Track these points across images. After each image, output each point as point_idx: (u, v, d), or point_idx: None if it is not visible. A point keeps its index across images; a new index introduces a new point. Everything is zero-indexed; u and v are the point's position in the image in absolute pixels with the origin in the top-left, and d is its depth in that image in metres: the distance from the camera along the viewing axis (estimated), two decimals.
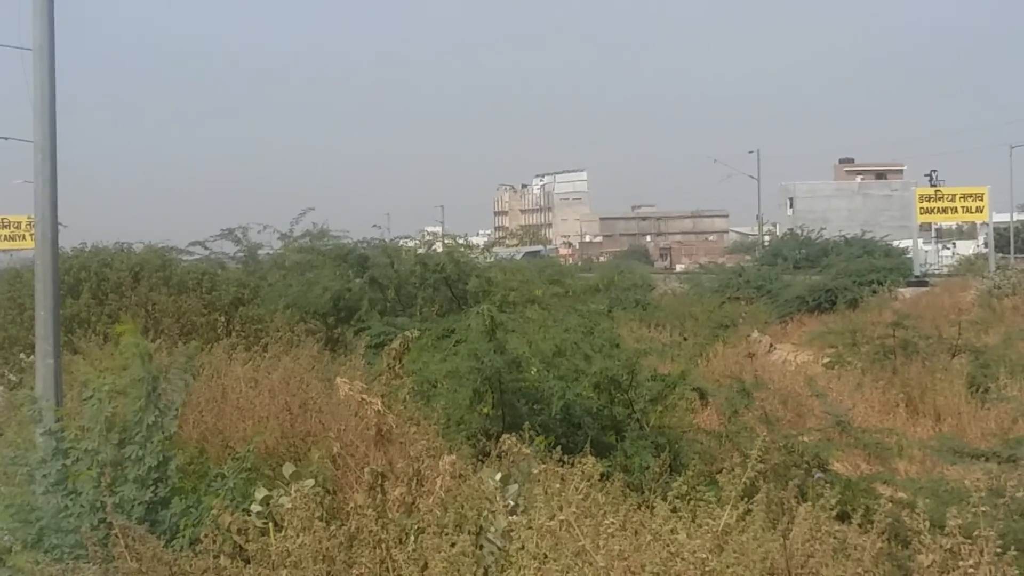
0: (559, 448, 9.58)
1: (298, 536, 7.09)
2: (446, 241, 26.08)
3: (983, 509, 5.41)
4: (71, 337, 18.20)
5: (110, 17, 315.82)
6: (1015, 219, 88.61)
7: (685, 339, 26.37)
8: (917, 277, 51.96)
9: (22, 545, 8.83)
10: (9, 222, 63.16)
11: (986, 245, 76.56)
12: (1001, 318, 30.30)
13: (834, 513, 6.34)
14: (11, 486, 10.10)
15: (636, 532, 6.18)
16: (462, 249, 24.88)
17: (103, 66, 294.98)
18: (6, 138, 59.57)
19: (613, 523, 5.82)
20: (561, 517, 5.88)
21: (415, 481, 8.29)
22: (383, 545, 7.07)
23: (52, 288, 12.59)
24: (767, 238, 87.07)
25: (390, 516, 7.60)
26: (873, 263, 46.01)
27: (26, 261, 45.73)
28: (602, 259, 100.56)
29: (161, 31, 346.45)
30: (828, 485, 7.83)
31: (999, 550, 5.32)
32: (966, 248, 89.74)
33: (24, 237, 58.71)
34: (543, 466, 6.99)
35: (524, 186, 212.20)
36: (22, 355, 20.40)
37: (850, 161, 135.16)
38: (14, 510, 9.34)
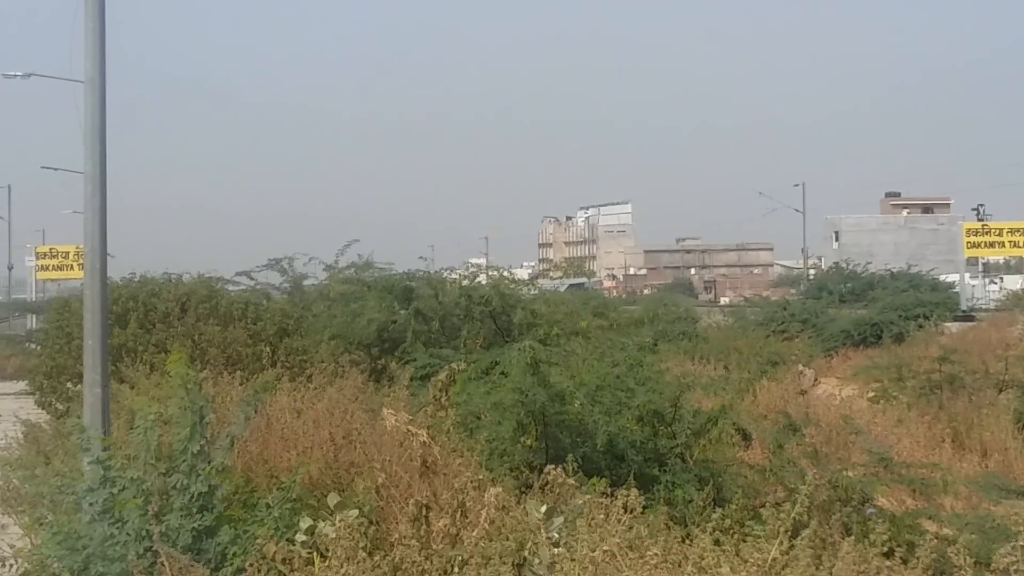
0: (603, 480, 9.58)
1: (342, 566, 7.13)
2: (490, 273, 26.10)
3: None
4: (118, 366, 18.34)
5: (155, 52, 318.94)
6: None
7: (729, 372, 26.26)
8: (964, 311, 51.55)
9: (69, 573, 8.90)
10: (58, 252, 63.85)
11: None
12: None
13: (884, 549, 6.32)
14: (58, 514, 10.20)
15: (679, 564, 6.18)
16: (507, 282, 24.89)
17: (150, 101, 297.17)
18: (56, 168, 60.51)
19: (656, 555, 5.83)
20: (605, 548, 5.89)
21: (459, 512, 8.30)
22: None
23: (101, 318, 12.71)
24: (812, 271, 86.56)
25: (434, 547, 7.62)
26: (919, 297, 45.59)
27: (74, 291, 46.29)
28: (646, 292, 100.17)
29: (205, 66, 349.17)
30: (877, 520, 7.80)
31: None
32: (1014, 283, 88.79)
33: (72, 267, 59.46)
34: (587, 498, 7.00)
35: (568, 218, 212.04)
36: (69, 384, 20.62)
37: (896, 195, 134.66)
38: (61, 538, 9.42)
